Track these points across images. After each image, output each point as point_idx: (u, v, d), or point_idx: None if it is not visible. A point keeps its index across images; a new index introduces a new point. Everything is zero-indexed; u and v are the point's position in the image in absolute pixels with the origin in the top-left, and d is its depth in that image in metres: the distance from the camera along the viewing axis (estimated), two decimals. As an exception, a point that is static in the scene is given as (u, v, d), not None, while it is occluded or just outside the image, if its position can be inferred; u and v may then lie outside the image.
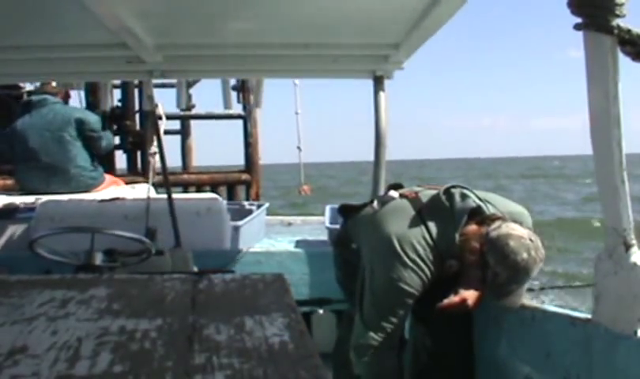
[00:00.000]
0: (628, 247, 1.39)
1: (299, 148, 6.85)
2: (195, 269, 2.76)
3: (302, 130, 6.52)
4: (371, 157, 2.95)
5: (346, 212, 2.29)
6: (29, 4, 2.05)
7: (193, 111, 8.30)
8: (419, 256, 1.86)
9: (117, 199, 3.26)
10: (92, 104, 5.74)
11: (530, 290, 2.09)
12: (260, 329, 1.11)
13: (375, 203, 2.13)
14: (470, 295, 1.92)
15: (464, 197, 1.92)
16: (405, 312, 1.95)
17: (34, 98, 3.84)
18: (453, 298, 1.92)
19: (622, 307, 1.41)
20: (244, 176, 7.09)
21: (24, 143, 3.64)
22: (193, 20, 2.29)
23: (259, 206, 4.54)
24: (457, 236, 1.85)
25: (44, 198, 3.28)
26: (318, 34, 2.50)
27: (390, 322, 1.91)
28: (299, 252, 3.21)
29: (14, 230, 3.21)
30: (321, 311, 3.01)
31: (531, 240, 1.75)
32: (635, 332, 1.38)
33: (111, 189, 3.83)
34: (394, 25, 2.34)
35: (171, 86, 8.11)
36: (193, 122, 8.81)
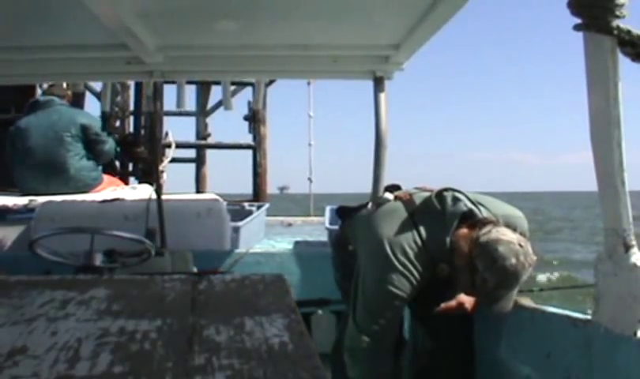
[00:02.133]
0: (628, 248, 1.39)
1: (309, 179, 6.90)
2: (195, 270, 2.76)
3: (314, 161, 6.64)
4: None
5: (343, 213, 2.29)
6: (29, 4, 2.05)
7: (209, 140, 8.39)
8: (409, 260, 1.87)
9: (117, 200, 3.26)
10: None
11: (530, 291, 2.09)
12: (260, 330, 1.11)
13: (370, 205, 2.14)
14: (467, 299, 1.93)
15: (455, 200, 1.92)
16: (396, 315, 1.95)
17: (41, 98, 3.86)
18: (450, 303, 1.92)
19: (622, 308, 1.41)
20: (251, 206, 7.19)
21: (26, 141, 3.64)
22: (193, 21, 2.29)
23: (259, 207, 4.54)
24: (447, 240, 1.85)
25: (44, 199, 3.28)
26: (317, 34, 2.50)
27: (381, 325, 1.91)
28: (299, 253, 3.21)
29: (14, 230, 3.21)
30: (320, 312, 3.01)
31: (520, 245, 1.74)
32: (635, 333, 1.38)
33: (111, 189, 3.83)
34: (394, 25, 2.34)
35: (187, 114, 8.24)
36: (208, 151, 8.89)
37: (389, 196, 2.10)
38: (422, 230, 1.90)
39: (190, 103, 7.89)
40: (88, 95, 6.44)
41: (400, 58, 2.69)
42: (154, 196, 2.93)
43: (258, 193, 7.25)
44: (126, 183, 4.89)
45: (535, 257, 1.78)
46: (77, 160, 3.69)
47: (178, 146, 6.06)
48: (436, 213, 1.91)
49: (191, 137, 8.40)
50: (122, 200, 3.28)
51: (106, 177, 3.99)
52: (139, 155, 5.48)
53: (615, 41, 1.32)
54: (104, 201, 3.23)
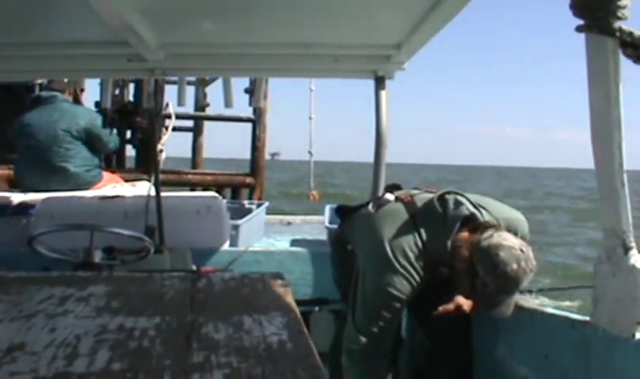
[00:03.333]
0: (627, 250, 1.39)
1: (310, 152, 6.87)
2: (194, 268, 2.76)
3: (314, 134, 6.59)
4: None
5: (343, 213, 2.29)
6: (30, 1, 2.04)
7: (208, 110, 8.35)
8: (409, 262, 1.87)
9: (117, 197, 3.26)
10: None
11: (529, 291, 2.09)
12: (258, 328, 1.11)
13: (371, 205, 2.13)
14: (465, 301, 1.93)
15: (457, 204, 1.92)
16: (396, 317, 1.95)
17: (43, 94, 3.84)
18: (448, 305, 1.92)
19: (620, 309, 1.41)
20: (248, 179, 7.12)
21: (28, 138, 3.65)
22: (195, 19, 2.29)
23: (259, 205, 4.54)
24: (448, 243, 1.85)
25: (44, 195, 3.28)
26: (319, 33, 2.50)
27: (380, 327, 1.91)
28: (298, 251, 3.21)
29: (14, 226, 3.21)
30: (320, 311, 3.01)
31: (522, 250, 1.74)
32: (633, 335, 1.38)
33: (111, 186, 3.83)
34: (396, 25, 2.34)
35: (188, 83, 8.18)
36: (206, 121, 8.88)
37: (389, 197, 2.09)
38: (423, 232, 1.90)
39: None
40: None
41: (401, 57, 2.69)
42: (153, 193, 2.92)
43: (255, 167, 7.21)
44: (123, 154, 4.81)
45: (535, 263, 1.78)
46: (77, 159, 3.69)
47: (178, 117, 5.99)
48: (437, 216, 1.91)
49: (190, 106, 8.37)
50: (122, 197, 3.27)
51: (105, 174, 3.99)
52: (138, 124, 5.41)
53: (617, 43, 1.32)
54: (104, 198, 3.22)
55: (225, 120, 7.91)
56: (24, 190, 3.59)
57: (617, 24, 1.31)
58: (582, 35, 1.36)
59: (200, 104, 8.34)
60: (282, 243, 3.85)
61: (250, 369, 0.91)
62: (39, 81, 4.91)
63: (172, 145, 3.08)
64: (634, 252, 1.39)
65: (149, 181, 3.33)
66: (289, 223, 4.95)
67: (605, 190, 1.40)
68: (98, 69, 3.00)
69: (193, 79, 8.16)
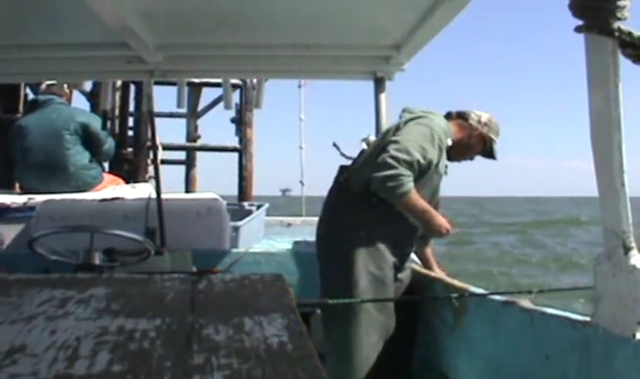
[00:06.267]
0: (627, 250, 1.39)
1: (301, 182, 6.89)
2: (194, 269, 2.76)
3: (308, 163, 6.62)
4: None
5: (344, 169, 2.47)
6: (30, 2, 2.05)
7: (199, 142, 8.39)
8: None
9: (117, 198, 3.26)
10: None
11: (529, 292, 2.09)
12: (259, 330, 1.11)
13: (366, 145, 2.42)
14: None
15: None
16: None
17: (40, 97, 3.86)
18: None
19: (621, 310, 1.41)
20: (236, 208, 7.16)
21: (26, 140, 3.65)
22: (194, 20, 2.29)
23: (259, 207, 4.54)
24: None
25: (44, 197, 3.28)
26: (319, 35, 2.51)
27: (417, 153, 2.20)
28: (298, 252, 3.21)
29: (14, 228, 3.21)
30: (320, 312, 3.01)
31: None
32: (634, 335, 1.38)
33: (111, 188, 3.83)
34: (395, 26, 2.35)
35: (178, 116, 8.26)
36: (198, 153, 8.87)
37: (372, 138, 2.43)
38: None
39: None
40: (76, 94, 6.37)
41: (401, 58, 2.70)
42: (154, 195, 2.92)
43: (243, 197, 7.27)
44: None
45: None
46: (77, 159, 3.70)
47: (165, 148, 6.06)
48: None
49: (181, 139, 8.43)
50: (122, 199, 3.27)
51: (106, 176, 3.99)
52: (124, 156, 5.50)
53: (616, 43, 1.32)
54: (104, 200, 3.23)
55: (211, 150, 7.95)
56: (24, 192, 3.59)
57: (616, 24, 1.31)
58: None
59: (191, 136, 8.39)
60: (282, 244, 3.85)
61: (250, 371, 0.91)
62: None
63: (164, 183, 3.08)
64: (634, 252, 1.39)
65: (149, 182, 3.33)
66: (289, 225, 4.95)
67: (605, 190, 1.40)
68: (97, 71, 3.00)
69: (184, 111, 8.23)
